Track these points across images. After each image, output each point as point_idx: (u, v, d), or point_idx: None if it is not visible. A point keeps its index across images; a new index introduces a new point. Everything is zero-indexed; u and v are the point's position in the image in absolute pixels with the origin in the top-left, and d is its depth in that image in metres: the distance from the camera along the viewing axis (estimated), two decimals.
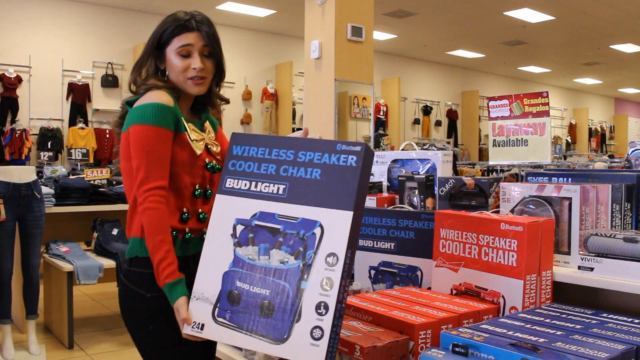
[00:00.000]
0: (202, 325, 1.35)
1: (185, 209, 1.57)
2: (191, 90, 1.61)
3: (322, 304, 1.22)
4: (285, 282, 1.27)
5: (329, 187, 1.29)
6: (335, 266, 1.23)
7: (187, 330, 1.38)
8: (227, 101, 1.76)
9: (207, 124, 1.70)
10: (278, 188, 1.35)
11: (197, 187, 1.59)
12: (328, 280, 1.23)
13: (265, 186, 1.36)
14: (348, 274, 1.26)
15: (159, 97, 1.51)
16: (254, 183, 1.38)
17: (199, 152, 1.58)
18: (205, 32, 1.59)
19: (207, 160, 1.61)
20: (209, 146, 1.64)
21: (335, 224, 1.26)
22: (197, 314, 1.36)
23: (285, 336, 1.23)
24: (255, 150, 1.40)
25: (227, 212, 1.38)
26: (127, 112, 1.57)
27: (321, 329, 1.20)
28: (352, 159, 1.28)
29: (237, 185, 1.39)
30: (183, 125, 1.56)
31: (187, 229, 1.57)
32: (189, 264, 1.53)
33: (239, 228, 1.36)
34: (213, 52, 1.61)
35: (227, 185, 1.40)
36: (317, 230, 1.27)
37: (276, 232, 1.32)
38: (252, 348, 1.29)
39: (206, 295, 1.36)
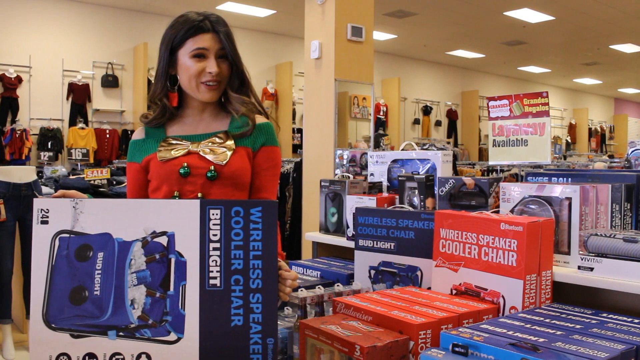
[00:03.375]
0: None
1: None
2: (202, 97, 1.55)
3: None
4: None
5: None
6: None
7: None
8: (259, 106, 1.63)
9: (222, 134, 1.58)
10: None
11: (175, 194, 1.55)
12: None
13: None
14: None
15: (134, 135, 1.68)
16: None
17: (163, 159, 1.55)
18: (222, 34, 1.52)
19: (184, 164, 1.53)
20: (200, 153, 1.55)
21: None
22: None
23: None
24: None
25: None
26: None
27: None
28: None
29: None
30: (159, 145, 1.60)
31: None
32: None
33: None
34: (229, 55, 1.54)
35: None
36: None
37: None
38: None
39: None
